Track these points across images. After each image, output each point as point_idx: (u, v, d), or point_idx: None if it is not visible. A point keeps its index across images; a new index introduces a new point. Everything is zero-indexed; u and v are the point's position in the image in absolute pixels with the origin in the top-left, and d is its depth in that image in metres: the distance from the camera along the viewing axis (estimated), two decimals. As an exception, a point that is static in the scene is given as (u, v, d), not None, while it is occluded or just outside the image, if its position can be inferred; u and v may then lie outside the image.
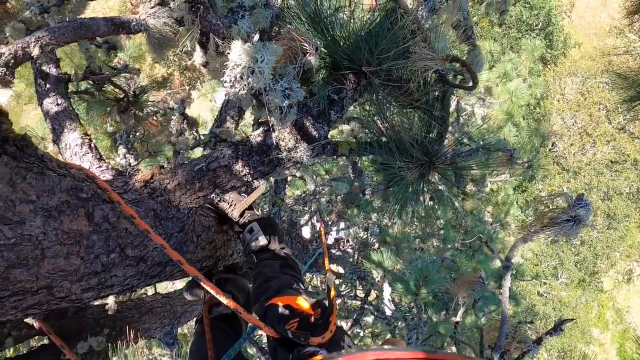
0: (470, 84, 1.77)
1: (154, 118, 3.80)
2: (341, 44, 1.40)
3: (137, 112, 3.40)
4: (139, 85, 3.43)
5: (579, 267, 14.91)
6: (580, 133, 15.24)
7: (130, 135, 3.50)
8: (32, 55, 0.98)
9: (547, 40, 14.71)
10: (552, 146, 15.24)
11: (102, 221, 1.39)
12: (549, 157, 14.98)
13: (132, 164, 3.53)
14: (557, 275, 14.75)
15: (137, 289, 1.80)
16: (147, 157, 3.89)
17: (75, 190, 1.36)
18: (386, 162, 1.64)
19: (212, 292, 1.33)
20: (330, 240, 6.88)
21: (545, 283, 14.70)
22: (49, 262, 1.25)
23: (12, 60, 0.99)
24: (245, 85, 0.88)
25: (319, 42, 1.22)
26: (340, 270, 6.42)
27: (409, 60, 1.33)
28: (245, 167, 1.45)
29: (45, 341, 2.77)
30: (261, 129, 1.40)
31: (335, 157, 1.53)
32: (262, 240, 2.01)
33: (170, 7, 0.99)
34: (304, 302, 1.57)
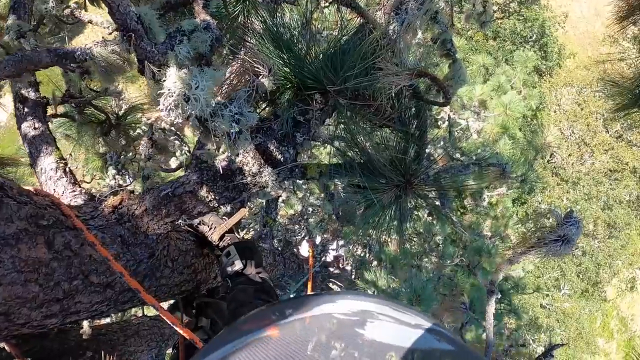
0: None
1: (142, 141, 3.78)
2: (307, 62, 1.38)
3: (124, 133, 3.38)
4: (130, 106, 3.41)
5: (582, 277, 14.76)
6: (578, 143, 15.21)
7: (121, 157, 3.48)
8: (-27, 87, 0.96)
9: (542, 52, 14.76)
10: (550, 157, 15.20)
11: (63, 248, 1.37)
12: (548, 169, 14.93)
13: (122, 185, 3.51)
14: (560, 286, 14.60)
15: (108, 315, 1.76)
16: (141, 178, 3.87)
17: (36, 217, 1.34)
18: (360, 185, 1.60)
19: (169, 321, 1.30)
20: (329, 258, 6.83)
21: (547, 295, 14.54)
22: (5, 290, 1.23)
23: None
24: (180, 113, 0.86)
25: (280, 62, 1.19)
26: (338, 288, 6.37)
27: (375, 77, 1.30)
28: (211, 193, 1.42)
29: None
30: (225, 154, 1.38)
31: (305, 180, 1.49)
32: (238, 265, 1.98)
33: (103, 38, 0.97)
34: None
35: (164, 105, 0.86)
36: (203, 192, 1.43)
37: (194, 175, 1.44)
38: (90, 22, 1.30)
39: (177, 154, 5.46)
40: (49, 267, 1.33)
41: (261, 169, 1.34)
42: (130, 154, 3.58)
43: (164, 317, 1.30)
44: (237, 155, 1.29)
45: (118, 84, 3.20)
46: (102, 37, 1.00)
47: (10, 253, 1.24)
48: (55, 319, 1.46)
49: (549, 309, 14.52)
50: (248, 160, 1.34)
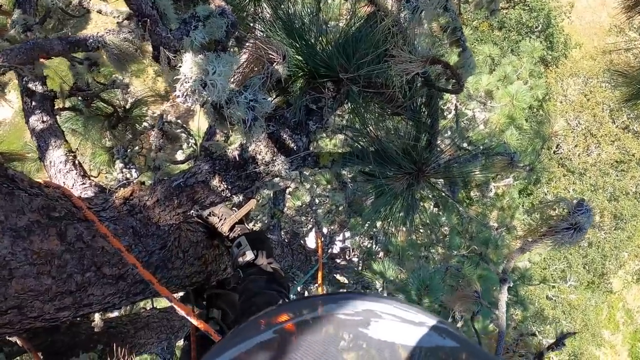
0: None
1: (152, 132, 3.78)
2: (319, 50, 1.36)
3: (131, 126, 3.38)
4: (136, 99, 3.40)
5: (588, 269, 14.73)
6: (584, 134, 15.13)
7: (128, 150, 3.48)
8: (-16, 77, 0.94)
9: (548, 42, 14.65)
10: (556, 148, 15.12)
11: (75, 240, 1.36)
12: (554, 160, 14.86)
13: (129, 179, 3.51)
14: (566, 278, 14.56)
15: (120, 307, 1.76)
16: (147, 171, 3.87)
17: (47, 209, 1.33)
18: (371, 173, 1.59)
19: (183, 313, 1.29)
20: (336, 249, 6.82)
21: (553, 286, 14.52)
22: (18, 283, 1.21)
23: (-37, 84, 0.94)
24: (197, 99, 0.84)
25: (292, 50, 1.18)
26: (345, 280, 6.37)
27: (387, 64, 1.28)
28: (223, 183, 1.41)
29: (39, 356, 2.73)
30: (238, 142, 1.36)
31: (317, 168, 1.48)
32: (249, 255, 1.97)
33: (118, 23, 0.95)
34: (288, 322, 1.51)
35: (180, 91, 0.85)
36: (215, 181, 1.42)
37: (205, 165, 1.43)
38: (99, 11, 1.29)
39: (184, 146, 5.45)
40: (62, 259, 1.32)
41: (274, 158, 1.33)
42: (137, 147, 3.58)
43: (178, 308, 1.29)
44: (251, 143, 1.28)
45: (124, 77, 3.19)
46: (117, 24, 0.99)
47: (22, 245, 1.23)
48: (68, 312, 1.45)
49: (555, 300, 14.51)
50: (261, 149, 1.33)
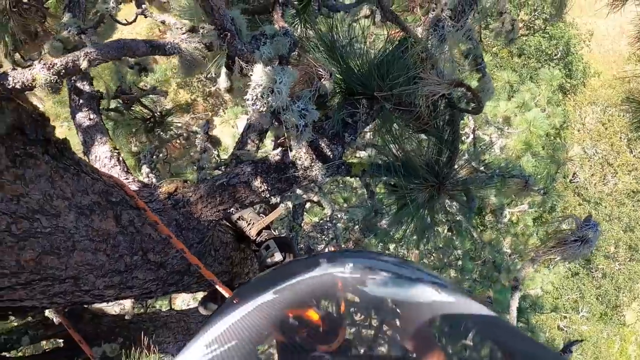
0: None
1: (177, 141, 3.95)
2: (355, 70, 1.51)
3: (161, 133, 3.55)
4: (165, 108, 3.59)
5: (601, 300, 14.53)
6: (601, 163, 15.07)
7: (154, 156, 3.65)
8: (80, 67, 1.09)
9: (567, 70, 14.70)
10: (572, 177, 15.07)
11: (128, 224, 1.51)
12: (569, 189, 14.79)
13: (154, 184, 3.66)
14: (578, 308, 14.38)
15: (155, 296, 1.89)
16: (169, 179, 4.01)
17: (106, 194, 1.49)
18: (397, 184, 1.72)
19: (227, 295, 1.41)
20: (348, 268, 6.87)
21: (565, 317, 14.32)
22: (78, 254, 1.37)
23: (63, 70, 1.10)
24: (264, 103, 1.00)
25: (334, 69, 1.33)
26: (356, 299, 6.42)
27: (418, 85, 1.43)
28: (264, 184, 1.56)
29: (60, 343, 2.86)
30: (280, 148, 1.51)
31: (349, 177, 1.62)
32: (278, 256, 2.10)
33: (201, 34, 1.12)
34: (314, 314, 1.63)
35: (251, 95, 1.01)
36: (257, 182, 1.56)
37: (248, 167, 1.58)
38: (162, 22, 1.46)
39: (212, 152, 5.61)
40: (116, 240, 1.48)
41: (312, 164, 1.48)
42: (162, 154, 3.75)
43: (223, 292, 1.42)
44: (299, 147, 1.43)
45: (158, 85, 3.37)
46: (183, 33, 1.14)
47: (85, 222, 1.38)
48: (113, 291, 1.60)
49: (566, 331, 14.30)
50: (301, 155, 1.48)
